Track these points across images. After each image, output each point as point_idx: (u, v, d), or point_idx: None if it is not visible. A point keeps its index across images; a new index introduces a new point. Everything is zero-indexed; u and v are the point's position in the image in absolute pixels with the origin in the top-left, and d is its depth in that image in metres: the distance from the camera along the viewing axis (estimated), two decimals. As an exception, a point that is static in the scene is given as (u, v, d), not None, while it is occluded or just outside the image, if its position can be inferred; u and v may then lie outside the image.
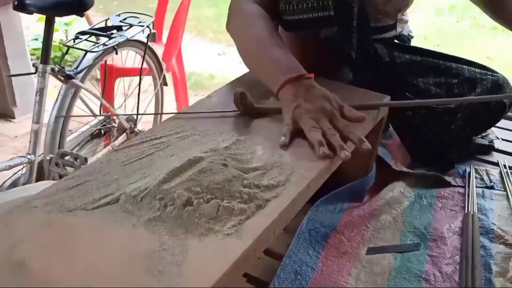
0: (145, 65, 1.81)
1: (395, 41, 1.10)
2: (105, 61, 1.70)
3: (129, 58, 1.93)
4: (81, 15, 1.43)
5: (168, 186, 0.49)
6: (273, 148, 0.60)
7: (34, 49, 3.04)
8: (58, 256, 0.41)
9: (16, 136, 2.21)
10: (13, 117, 2.27)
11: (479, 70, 0.97)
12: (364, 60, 0.93)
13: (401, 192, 0.90)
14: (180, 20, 2.16)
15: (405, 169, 0.94)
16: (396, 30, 1.07)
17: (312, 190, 0.56)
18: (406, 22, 1.10)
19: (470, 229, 0.80)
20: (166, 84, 2.00)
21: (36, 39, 3.20)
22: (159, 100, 2.00)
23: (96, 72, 2.12)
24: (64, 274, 0.40)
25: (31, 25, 3.22)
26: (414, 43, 1.15)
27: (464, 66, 0.98)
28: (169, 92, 2.33)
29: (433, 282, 0.70)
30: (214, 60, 3.64)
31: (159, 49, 2.14)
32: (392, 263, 0.74)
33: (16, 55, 2.16)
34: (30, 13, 1.29)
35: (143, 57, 1.70)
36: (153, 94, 1.97)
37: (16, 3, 1.23)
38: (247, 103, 0.68)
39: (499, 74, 0.99)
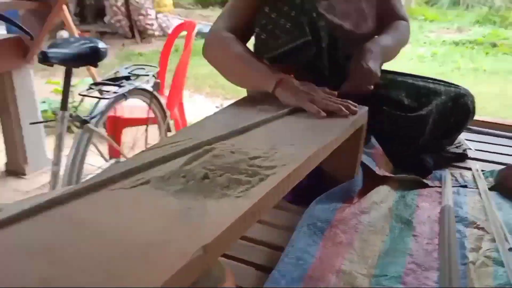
0: (150, 115, 1.98)
1: None
2: (115, 109, 1.86)
3: (135, 109, 2.11)
4: (95, 65, 1.61)
5: (188, 167, 0.62)
6: (271, 143, 0.73)
7: (42, 111, 3.22)
8: (109, 216, 0.54)
9: (28, 191, 2.31)
10: (24, 174, 2.38)
11: (443, 84, 1.13)
12: (337, 78, 1.08)
13: (386, 194, 1.02)
14: (180, 72, 2.36)
15: (388, 174, 1.07)
16: None
17: (304, 171, 0.69)
18: None
19: (446, 217, 0.92)
20: (170, 130, 2.16)
21: (44, 102, 3.41)
22: (163, 146, 2.15)
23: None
24: (113, 225, 0.52)
25: (39, 88, 3.44)
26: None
27: (429, 81, 1.15)
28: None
29: (416, 257, 0.81)
30: (212, 112, 3.84)
31: (162, 100, 2.32)
32: (381, 247, 0.85)
33: (29, 115, 2.30)
34: (51, 65, 1.47)
35: (150, 105, 1.87)
36: (158, 140, 2.12)
37: (40, 56, 1.41)
38: None
39: (462, 87, 1.15)
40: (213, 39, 1.02)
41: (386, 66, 1.32)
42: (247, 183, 0.60)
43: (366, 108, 0.93)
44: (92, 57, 1.54)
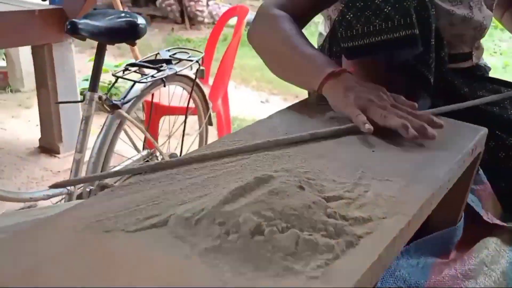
0: (191, 104, 1.76)
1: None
2: (152, 95, 1.66)
3: (175, 97, 1.90)
4: (133, 43, 1.40)
5: (231, 207, 0.37)
6: (355, 175, 0.48)
7: (83, 89, 3.11)
8: (89, 284, 0.30)
9: (59, 171, 2.19)
10: (58, 153, 2.26)
11: None
12: (440, 90, 0.81)
13: (496, 250, 0.73)
14: (228, 60, 2.13)
15: (499, 222, 0.78)
16: (472, 60, 0.96)
17: (413, 229, 0.43)
18: (482, 50, 0.99)
19: None
20: (211, 124, 1.93)
21: (87, 80, 3.29)
22: (203, 140, 1.92)
23: (139, 114, 2.10)
24: None
25: (84, 66, 3.33)
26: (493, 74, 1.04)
27: None
28: (211, 134, 2.27)
29: None
30: (257, 107, 3.63)
31: (205, 90, 2.11)
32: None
33: (67, 91, 2.18)
34: (83, 38, 1.25)
35: (190, 94, 1.64)
36: (197, 133, 1.90)
37: (68, 26, 1.18)
38: None
39: None
40: (259, 17, 0.79)
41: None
42: (327, 251, 0.35)
43: (485, 129, 0.66)
44: (129, 33, 1.30)
